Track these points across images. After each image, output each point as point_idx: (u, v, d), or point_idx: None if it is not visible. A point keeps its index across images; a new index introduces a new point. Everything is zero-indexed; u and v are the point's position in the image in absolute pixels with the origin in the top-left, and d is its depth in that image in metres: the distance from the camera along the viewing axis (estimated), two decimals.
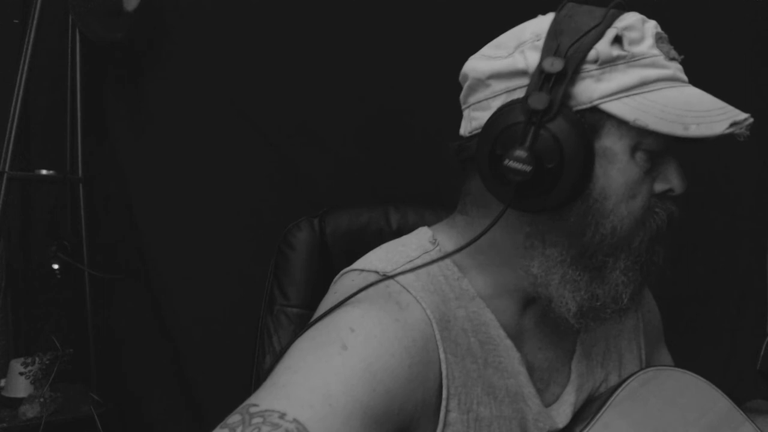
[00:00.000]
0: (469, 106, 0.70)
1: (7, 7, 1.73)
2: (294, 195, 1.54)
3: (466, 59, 0.72)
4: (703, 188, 1.42)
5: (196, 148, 1.59)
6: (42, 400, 1.55)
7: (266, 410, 0.55)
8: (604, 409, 0.71)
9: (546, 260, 0.67)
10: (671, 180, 0.67)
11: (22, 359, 1.60)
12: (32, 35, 1.57)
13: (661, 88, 0.63)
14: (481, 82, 0.68)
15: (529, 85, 0.63)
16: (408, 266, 0.69)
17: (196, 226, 1.59)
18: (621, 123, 0.63)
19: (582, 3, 0.68)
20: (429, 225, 0.77)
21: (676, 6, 1.32)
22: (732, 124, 0.61)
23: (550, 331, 0.74)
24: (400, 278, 0.68)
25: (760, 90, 1.43)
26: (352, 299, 0.65)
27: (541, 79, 0.62)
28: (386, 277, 0.68)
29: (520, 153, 0.61)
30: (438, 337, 0.65)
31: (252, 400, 0.57)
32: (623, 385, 0.74)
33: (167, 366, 1.65)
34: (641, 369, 0.78)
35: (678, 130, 0.61)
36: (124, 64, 1.67)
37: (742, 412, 0.78)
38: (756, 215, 1.48)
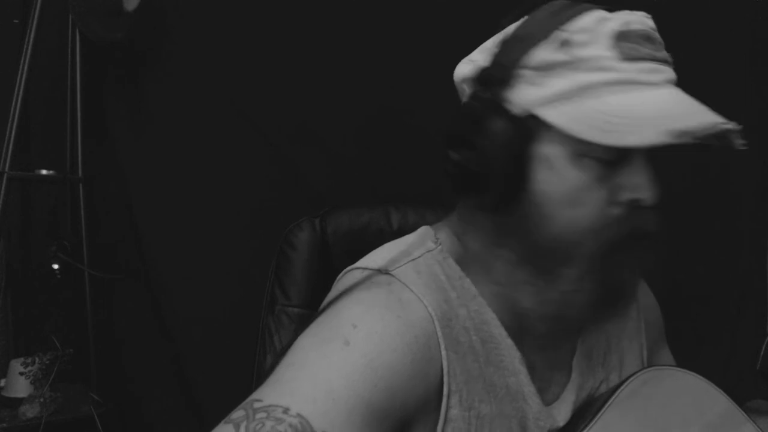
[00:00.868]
0: None
1: (7, 7, 1.73)
2: (294, 195, 1.54)
3: None
4: (703, 188, 1.42)
5: (196, 148, 1.59)
6: (42, 400, 1.55)
7: (270, 405, 0.56)
8: (604, 408, 0.71)
9: (502, 261, 0.69)
10: (636, 189, 0.63)
11: (22, 359, 1.60)
12: (32, 35, 1.57)
13: (603, 94, 0.61)
14: (460, 86, 0.71)
15: (470, 93, 0.67)
16: (410, 265, 0.70)
17: (196, 226, 1.59)
18: (556, 130, 0.62)
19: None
20: (430, 225, 0.78)
21: (676, 6, 1.32)
22: (667, 134, 0.56)
23: (551, 331, 0.74)
24: (401, 276, 0.68)
25: (760, 90, 1.43)
26: (354, 297, 0.66)
27: (478, 86, 0.65)
28: (387, 272, 0.69)
29: (454, 156, 0.65)
30: (439, 334, 0.65)
31: (255, 395, 0.58)
32: (624, 385, 0.74)
33: (167, 366, 1.65)
34: (642, 369, 0.78)
35: (603, 138, 0.59)
36: (124, 64, 1.67)
37: (743, 412, 0.78)
38: (756, 215, 1.48)
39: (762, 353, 1.38)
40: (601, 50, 0.62)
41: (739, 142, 0.60)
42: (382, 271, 0.69)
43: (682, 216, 1.43)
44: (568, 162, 0.63)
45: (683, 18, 1.34)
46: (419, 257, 0.71)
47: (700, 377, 0.78)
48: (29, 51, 1.57)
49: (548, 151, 0.64)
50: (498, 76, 0.64)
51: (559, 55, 0.62)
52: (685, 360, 0.94)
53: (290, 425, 0.54)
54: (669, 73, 0.64)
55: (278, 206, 1.49)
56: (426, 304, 0.66)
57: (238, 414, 0.56)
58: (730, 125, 0.59)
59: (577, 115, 0.61)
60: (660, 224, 0.67)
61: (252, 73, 1.56)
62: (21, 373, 1.58)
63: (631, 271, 0.67)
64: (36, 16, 1.58)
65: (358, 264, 0.73)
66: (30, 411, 1.54)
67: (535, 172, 0.64)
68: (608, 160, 0.63)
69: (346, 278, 0.72)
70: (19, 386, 1.60)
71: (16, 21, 1.74)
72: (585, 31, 0.62)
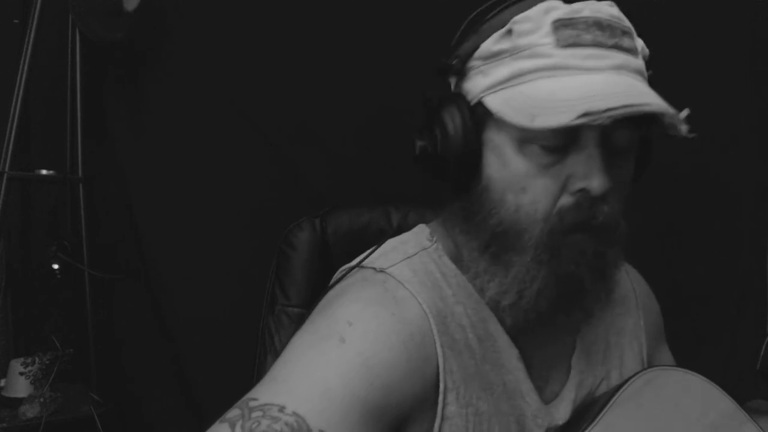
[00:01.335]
0: None
1: (7, 7, 1.73)
2: (294, 195, 1.54)
3: None
4: (703, 188, 1.42)
5: (196, 148, 1.59)
6: (42, 400, 1.55)
7: (266, 404, 0.56)
8: (606, 409, 0.71)
9: (469, 249, 0.70)
10: (584, 179, 0.63)
11: (22, 359, 1.60)
12: (32, 35, 1.57)
13: (534, 79, 0.63)
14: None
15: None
16: (406, 263, 0.70)
17: (196, 226, 1.59)
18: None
19: None
20: (430, 223, 0.78)
21: (676, 6, 1.32)
22: (582, 115, 0.56)
23: (550, 328, 0.74)
24: (396, 274, 0.68)
25: (760, 90, 1.43)
26: (350, 294, 0.67)
27: (438, 76, 0.71)
28: (382, 270, 0.69)
29: (417, 143, 0.70)
30: (435, 331, 0.66)
31: (251, 394, 0.58)
32: (625, 385, 0.74)
33: (167, 366, 1.65)
34: (643, 369, 0.78)
35: (522, 121, 0.60)
36: (124, 64, 1.67)
37: (744, 413, 0.78)
38: (756, 215, 1.48)
39: (762, 353, 1.38)
40: (540, 38, 0.63)
41: (684, 129, 0.58)
42: (377, 270, 0.69)
43: (682, 216, 1.43)
44: (513, 149, 0.65)
45: (683, 18, 1.34)
46: (414, 255, 0.72)
47: (702, 377, 0.78)
48: (29, 51, 1.57)
49: (495, 137, 0.66)
50: (454, 68, 0.68)
51: (503, 44, 0.65)
52: (685, 360, 0.94)
53: (286, 424, 0.54)
54: (620, 59, 0.63)
55: (278, 206, 1.49)
56: (421, 302, 0.66)
57: (233, 413, 0.56)
58: (661, 109, 0.58)
59: (509, 101, 0.63)
60: (618, 218, 0.67)
61: (252, 73, 1.56)
62: (21, 373, 1.58)
63: (585, 262, 0.65)
64: (36, 16, 1.57)
65: (353, 263, 0.74)
66: (30, 411, 1.54)
67: (486, 158, 0.66)
68: (553, 147, 0.63)
69: (342, 277, 0.73)
70: (19, 386, 1.60)
71: (16, 21, 1.74)
72: (528, 20, 0.64)
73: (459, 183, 0.68)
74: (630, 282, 0.87)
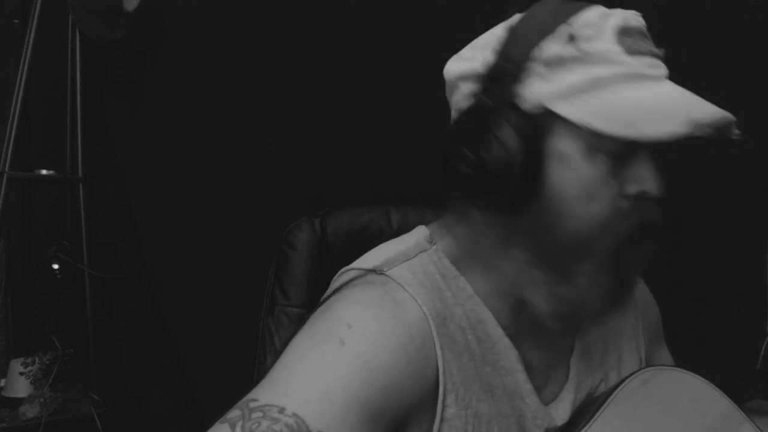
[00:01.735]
0: (450, 107, 0.72)
1: (7, 7, 1.73)
2: (294, 195, 1.54)
3: None
4: (703, 188, 1.42)
5: (196, 148, 1.59)
6: (42, 400, 1.55)
7: (266, 405, 0.56)
8: (603, 408, 0.71)
9: (515, 262, 0.68)
10: (643, 182, 0.64)
11: (22, 359, 1.60)
12: (32, 35, 1.57)
13: (615, 87, 0.61)
14: (454, 84, 0.69)
15: (478, 89, 0.64)
16: (405, 265, 0.70)
17: (196, 226, 1.59)
18: (570, 124, 0.62)
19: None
20: (430, 225, 0.78)
21: (675, 6, 1.32)
22: (690, 124, 0.57)
23: (548, 330, 0.74)
24: (396, 276, 0.68)
25: (760, 90, 1.43)
26: (350, 297, 0.66)
27: (488, 82, 0.63)
28: (382, 272, 0.69)
29: (466, 156, 0.62)
30: (435, 333, 0.65)
31: (251, 395, 0.58)
32: (622, 385, 0.74)
33: (167, 366, 1.65)
34: (641, 368, 0.78)
35: (626, 131, 0.59)
36: (124, 64, 1.67)
37: (742, 412, 0.78)
38: (756, 215, 1.48)
39: (762, 353, 1.38)
40: (608, 44, 0.62)
41: (736, 132, 0.61)
42: (377, 272, 0.69)
43: (682, 216, 1.43)
44: (581, 157, 0.63)
45: (683, 18, 1.34)
46: (414, 257, 0.71)
47: (699, 377, 0.78)
48: (29, 51, 1.57)
49: (562, 146, 0.63)
50: (509, 71, 0.63)
51: (568, 50, 0.62)
52: (685, 360, 0.94)
53: (286, 425, 0.54)
54: (665, 68, 0.65)
55: (278, 206, 1.49)
56: (420, 304, 0.66)
57: (234, 413, 0.56)
58: (731, 116, 0.60)
59: (594, 109, 0.61)
60: (661, 216, 0.68)
61: (252, 73, 1.56)
62: (21, 373, 1.58)
63: (638, 263, 0.67)
64: (36, 16, 1.58)
65: (354, 264, 0.73)
66: (30, 411, 1.54)
67: (550, 169, 0.63)
68: (619, 153, 0.63)
69: (342, 279, 0.72)
70: (19, 386, 1.60)
71: (16, 21, 1.74)
72: (590, 26, 0.63)
73: (519, 196, 0.63)
74: None
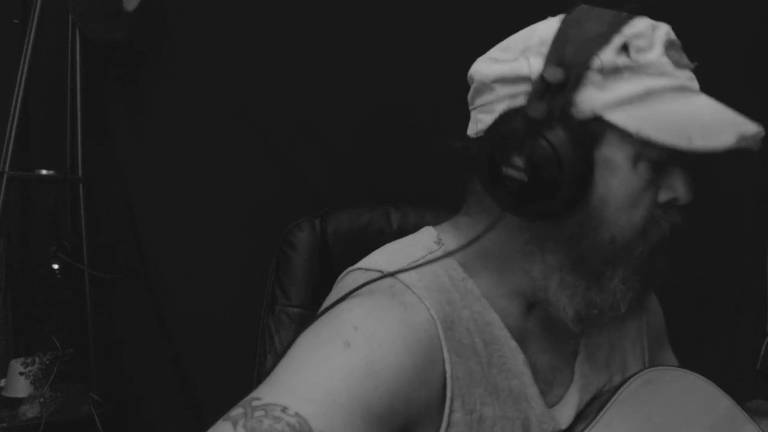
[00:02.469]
0: (475, 108, 0.71)
1: (7, 7, 1.73)
2: (294, 195, 1.54)
3: (466, 59, 0.72)
4: (703, 188, 1.42)
5: (196, 148, 1.59)
6: (42, 400, 1.55)
7: (269, 404, 0.56)
8: (605, 409, 0.71)
9: (544, 266, 0.68)
10: (676, 189, 0.66)
11: (22, 359, 1.60)
12: (32, 35, 1.57)
13: (667, 99, 0.63)
14: (486, 86, 0.68)
15: (530, 94, 0.62)
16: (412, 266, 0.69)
17: (196, 226, 1.59)
18: (623, 133, 0.62)
19: (593, 4, 0.67)
20: (429, 225, 0.77)
21: (675, 6, 1.32)
22: (739, 138, 0.59)
23: (554, 333, 0.74)
24: (404, 278, 0.67)
25: (760, 90, 1.43)
26: (356, 298, 0.66)
27: (543, 88, 0.61)
28: (390, 274, 0.68)
29: (518, 161, 0.61)
30: (442, 336, 0.65)
31: (255, 393, 0.58)
32: (625, 385, 0.74)
33: (167, 366, 1.65)
34: (643, 369, 0.78)
35: (681, 142, 0.60)
36: (124, 64, 1.67)
37: (744, 413, 0.78)
38: (756, 215, 1.48)
39: (762, 353, 1.38)
40: (658, 56, 0.63)
41: (760, 144, 0.62)
42: (384, 273, 0.69)
43: (681, 216, 1.43)
44: (628, 165, 0.64)
45: (683, 18, 1.34)
46: (421, 258, 0.71)
47: (702, 377, 0.78)
48: (29, 51, 1.57)
49: (610, 154, 0.64)
50: (568, 78, 0.62)
51: (622, 59, 0.63)
52: (685, 360, 0.94)
53: (288, 424, 0.54)
54: (697, 82, 0.67)
55: (278, 206, 1.49)
56: (428, 306, 0.66)
57: (236, 411, 0.56)
58: (763, 131, 0.62)
59: (648, 118, 0.62)
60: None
61: (252, 73, 1.56)
62: (21, 373, 1.58)
63: (663, 268, 0.69)
64: (36, 16, 1.58)
65: (360, 264, 0.73)
66: (30, 411, 1.54)
67: (598, 176, 0.63)
68: (660, 162, 0.65)
69: (348, 279, 0.72)
70: (19, 386, 1.60)
71: (16, 21, 1.74)
72: (642, 37, 0.63)
73: (568, 204, 0.62)
74: None
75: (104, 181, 1.74)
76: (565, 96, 0.62)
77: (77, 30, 1.68)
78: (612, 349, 0.81)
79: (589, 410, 0.74)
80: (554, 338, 0.74)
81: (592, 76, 0.63)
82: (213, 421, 0.56)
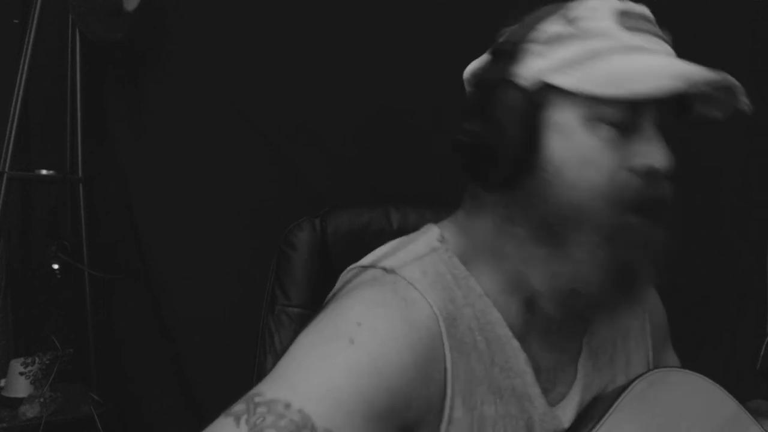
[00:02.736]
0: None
1: (7, 7, 1.73)
2: (294, 195, 1.54)
3: (466, 59, 0.73)
4: (703, 188, 1.42)
5: (196, 148, 1.59)
6: (42, 400, 1.55)
7: (271, 400, 0.56)
8: (610, 411, 0.71)
9: (513, 241, 0.68)
10: (650, 156, 0.64)
11: (22, 359, 1.60)
12: (32, 35, 1.57)
13: (610, 58, 0.63)
14: (467, 81, 0.72)
15: (482, 69, 0.68)
16: (416, 264, 0.69)
17: (196, 226, 1.59)
18: (568, 94, 0.64)
19: None
20: (440, 224, 0.77)
21: (675, 6, 1.32)
22: (680, 81, 0.59)
23: (557, 332, 0.74)
24: (406, 275, 0.67)
25: (760, 90, 1.43)
26: (359, 295, 0.66)
27: (490, 61, 0.67)
28: (392, 271, 0.68)
29: (465, 129, 0.66)
30: (444, 334, 0.65)
31: (257, 389, 0.58)
32: (630, 387, 0.73)
33: (167, 366, 1.65)
34: (648, 371, 0.77)
35: (615, 91, 0.61)
36: (124, 64, 1.67)
37: (749, 415, 0.77)
38: (756, 215, 1.48)
39: (762, 353, 1.38)
40: (606, 22, 0.64)
41: (745, 102, 0.63)
42: (387, 270, 0.69)
43: (681, 216, 1.43)
44: (580, 126, 0.64)
45: (683, 18, 1.34)
46: (424, 256, 0.71)
47: (707, 379, 0.77)
48: (29, 51, 1.57)
49: (560, 117, 0.65)
50: (507, 51, 0.66)
51: (567, 29, 0.65)
52: (685, 360, 0.94)
53: (291, 421, 0.54)
54: (670, 49, 0.66)
55: (278, 206, 1.49)
56: (431, 303, 0.66)
57: (238, 407, 0.56)
58: (730, 78, 0.62)
59: (587, 77, 0.63)
60: (673, 205, 0.68)
61: (252, 73, 1.56)
62: (21, 373, 1.58)
63: (644, 248, 0.66)
64: (36, 16, 1.58)
65: (363, 261, 0.73)
66: (30, 411, 1.54)
67: (548, 140, 0.65)
68: (620, 123, 0.64)
69: (350, 276, 0.72)
70: (19, 386, 1.60)
71: (16, 21, 1.74)
72: (590, 9, 0.65)
73: (517, 168, 0.65)
74: None
75: (104, 181, 1.74)
76: (506, 68, 0.66)
77: (77, 30, 1.68)
78: (615, 349, 0.80)
79: (594, 412, 0.73)
80: (557, 337, 0.74)
81: (536, 47, 0.66)
82: (213, 421, 0.56)
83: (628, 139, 0.65)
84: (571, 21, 0.65)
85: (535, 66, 0.65)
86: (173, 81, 1.61)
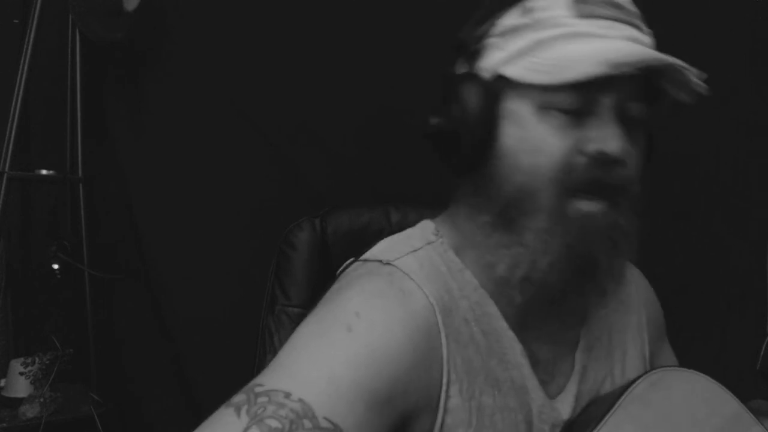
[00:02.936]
0: None
1: (7, 7, 1.73)
2: (294, 195, 1.54)
3: None
4: (704, 188, 1.42)
5: (196, 148, 1.59)
6: (42, 400, 1.55)
7: (271, 390, 0.56)
8: (612, 411, 0.71)
9: (483, 228, 0.69)
10: (602, 140, 0.64)
11: (22, 359, 1.60)
12: (32, 35, 1.58)
13: (554, 46, 0.65)
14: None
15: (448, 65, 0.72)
16: (412, 256, 0.70)
17: (196, 226, 1.59)
18: (520, 84, 0.66)
19: None
20: (435, 218, 0.78)
21: (675, 6, 1.32)
22: (603, 64, 0.60)
23: (554, 323, 0.74)
24: (403, 266, 0.69)
25: (760, 90, 1.43)
26: (357, 286, 0.67)
27: (455, 56, 0.71)
28: (389, 263, 0.69)
29: (431, 119, 0.71)
30: (440, 323, 0.66)
31: (257, 380, 0.58)
32: (632, 387, 0.73)
33: (167, 366, 1.65)
34: (650, 370, 0.77)
35: (545, 78, 0.63)
36: (124, 64, 1.67)
37: (751, 415, 0.77)
38: (756, 215, 1.48)
39: (762, 353, 1.38)
40: (559, 11, 0.66)
41: (697, 82, 0.63)
42: (384, 262, 0.70)
43: (681, 216, 1.43)
44: (533, 115, 0.66)
45: (683, 18, 1.34)
46: (420, 248, 0.72)
47: (709, 378, 0.77)
48: (29, 51, 1.57)
49: (514, 106, 0.67)
50: (469, 47, 0.70)
51: (522, 20, 0.67)
52: (684, 359, 0.94)
53: (292, 410, 0.54)
54: (635, 32, 0.66)
55: (278, 206, 1.49)
56: (427, 293, 0.67)
57: (239, 398, 0.56)
58: (680, 62, 0.62)
59: (532, 66, 0.65)
60: (635, 188, 0.68)
61: (252, 73, 1.56)
62: (21, 373, 1.58)
63: (602, 235, 0.65)
64: (36, 16, 1.58)
65: (361, 257, 0.74)
66: (30, 411, 1.54)
67: (504, 128, 0.67)
68: (572, 110, 0.65)
69: (349, 269, 0.73)
70: (19, 386, 1.60)
71: (16, 21, 1.74)
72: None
73: (475, 155, 0.68)
74: (632, 279, 0.87)
75: (104, 181, 1.74)
76: (472, 61, 0.70)
77: (77, 30, 1.68)
78: (612, 341, 0.81)
79: (595, 412, 0.73)
80: (554, 328, 0.74)
81: (495, 41, 0.69)
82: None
83: (583, 126, 0.65)
84: (527, 12, 0.67)
85: (494, 58, 0.68)
86: (173, 81, 1.61)
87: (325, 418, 0.55)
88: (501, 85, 0.67)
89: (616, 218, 0.66)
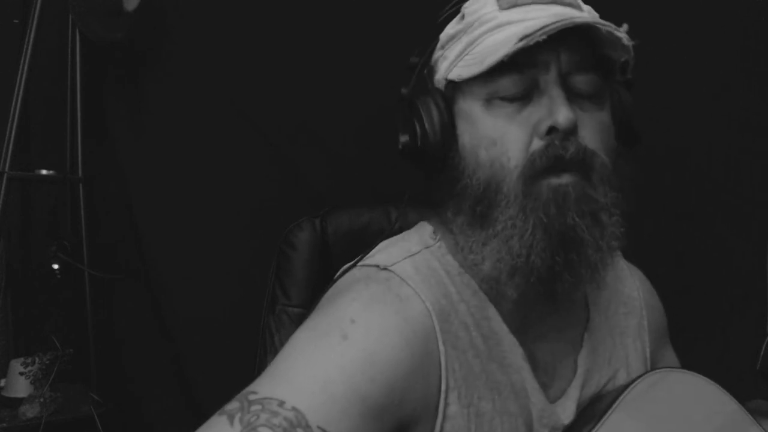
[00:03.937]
0: None
1: (7, 7, 1.73)
2: (294, 195, 1.54)
3: None
4: (704, 188, 1.42)
5: (196, 148, 1.59)
6: (42, 400, 1.55)
7: (265, 398, 0.56)
8: (611, 411, 0.71)
9: (463, 230, 0.70)
10: (551, 116, 0.65)
11: (22, 359, 1.60)
12: (32, 35, 1.57)
13: (481, 41, 0.67)
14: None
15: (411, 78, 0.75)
16: (409, 261, 0.70)
17: (196, 226, 1.59)
18: (464, 84, 0.69)
19: None
20: (432, 221, 0.78)
21: (675, 6, 1.32)
22: (520, 39, 0.62)
23: (555, 325, 0.74)
24: (399, 271, 0.68)
25: (761, 90, 1.43)
26: (353, 291, 0.66)
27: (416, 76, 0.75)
28: (385, 268, 0.69)
29: (400, 138, 0.73)
30: (437, 329, 0.65)
31: (251, 387, 0.58)
32: (630, 387, 0.73)
33: (167, 366, 1.65)
34: (649, 371, 0.77)
35: (475, 69, 0.66)
36: (124, 64, 1.67)
37: (750, 416, 0.77)
38: (756, 215, 1.48)
39: (762, 353, 1.38)
40: (487, 8, 0.69)
41: (620, 36, 0.63)
42: (380, 267, 0.69)
43: (681, 216, 1.43)
44: (481, 110, 0.68)
45: (682, 18, 1.34)
46: (417, 253, 0.72)
47: (707, 379, 0.77)
48: (29, 51, 1.57)
49: (465, 106, 0.69)
50: (423, 67, 0.75)
51: (458, 27, 0.71)
52: (685, 360, 0.94)
53: (285, 419, 0.54)
54: (560, 9, 0.67)
55: (278, 206, 1.49)
56: (424, 299, 0.66)
57: (232, 406, 0.56)
58: (594, 19, 0.64)
59: (466, 64, 0.68)
60: (597, 155, 0.67)
61: (252, 73, 1.56)
62: (21, 373, 1.58)
63: (576, 206, 0.64)
64: (36, 16, 1.58)
65: (356, 261, 0.73)
66: (30, 411, 1.54)
67: (459, 129, 0.70)
68: (515, 96, 0.66)
69: (345, 275, 0.72)
70: (19, 386, 1.60)
71: (16, 21, 1.74)
72: (475, 2, 0.70)
73: (439, 159, 0.70)
74: (634, 281, 0.87)
75: (104, 181, 1.74)
76: (427, 77, 0.74)
77: (77, 30, 1.68)
78: (615, 344, 0.81)
79: (594, 411, 0.73)
80: (556, 330, 0.74)
81: (440, 52, 0.73)
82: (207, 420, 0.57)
83: (531, 108, 0.66)
84: (462, 18, 0.71)
85: (442, 68, 0.72)
86: (173, 81, 1.60)
87: (319, 427, 0.55)
88: (451, 90, 0.70)
89: (586, 190, 0.65)
